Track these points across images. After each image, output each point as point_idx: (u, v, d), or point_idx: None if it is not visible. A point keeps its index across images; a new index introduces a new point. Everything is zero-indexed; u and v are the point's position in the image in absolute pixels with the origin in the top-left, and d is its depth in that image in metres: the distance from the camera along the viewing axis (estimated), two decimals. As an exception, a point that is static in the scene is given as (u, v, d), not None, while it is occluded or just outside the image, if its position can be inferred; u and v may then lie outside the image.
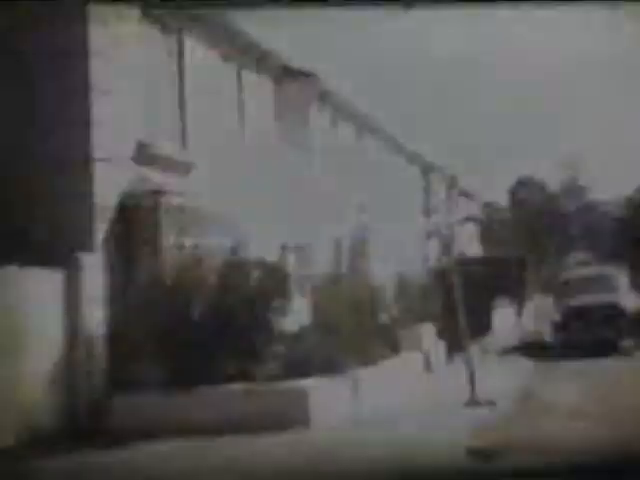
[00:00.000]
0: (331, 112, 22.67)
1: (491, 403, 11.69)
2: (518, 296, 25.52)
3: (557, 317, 19.48)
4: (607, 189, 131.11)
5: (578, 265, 36.51)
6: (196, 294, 11.19)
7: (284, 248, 18.31)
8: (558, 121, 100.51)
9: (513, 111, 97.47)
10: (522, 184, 56.59)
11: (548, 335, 20.40)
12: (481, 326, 21.79)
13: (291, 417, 10.12)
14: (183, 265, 11.62)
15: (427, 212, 17.24)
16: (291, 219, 19.55)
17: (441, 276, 17.35)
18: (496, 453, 8.80)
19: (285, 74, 19.21)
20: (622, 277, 20.72)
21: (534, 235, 46.20)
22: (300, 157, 20.36)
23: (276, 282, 11.93)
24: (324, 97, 22.12)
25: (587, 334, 18.64)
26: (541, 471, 7.92)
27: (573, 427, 10.00)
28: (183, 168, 14.11)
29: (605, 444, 8.80)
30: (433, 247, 27.53)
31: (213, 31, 15.39)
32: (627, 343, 18.76)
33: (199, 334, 10.83)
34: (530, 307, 27.03)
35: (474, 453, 8.79)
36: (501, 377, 14.47)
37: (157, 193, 12.16)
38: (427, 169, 33.99)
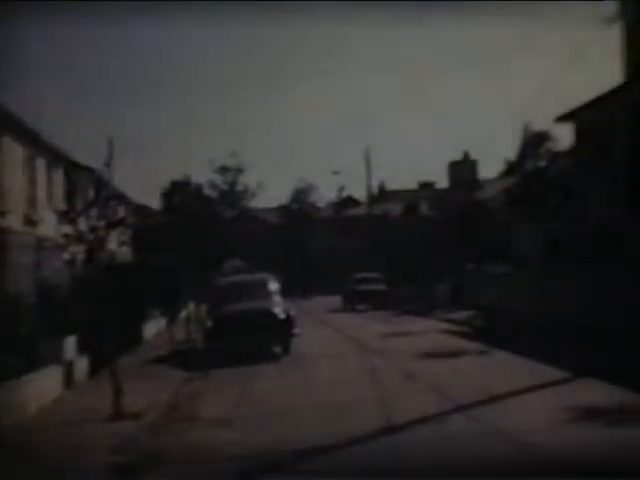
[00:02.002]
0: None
1: (137, 416, 11.79)
2: (171, 305, 25.94)
3: (210, 324, 20.11)
4: (264, 197, 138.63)
5: (234, 272, 38.00)
6: None
7: None
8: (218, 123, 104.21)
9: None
10: (177, 187, 57.51)
11: (201, 343, 21.01)
12: (131, 337, 21.84)
13: None
14: None
15: (68, 215, 16.78)
16: None
17: (86, 284, 17.05)
18: (139, 467, 8.93)
19: None
20: (275, 284, 21.95)
21: (191, 241, 47.19)
22: None
23: None
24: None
25: (239, 341, 19.48)
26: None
27: (218, 436, 10.48)
28: None
29: (250, 451, 9.38)
30: (79, 253, 26.99)
31: None
32: (277, 349, 20.00)
33: None
34: (183, 315, 27.66)
35: (114, 469, 8.83)
36: (150, 389, 14.64)
37: None
38: (72, 169, 33.24)
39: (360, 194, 72.90)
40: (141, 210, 48.93)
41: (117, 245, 34.39)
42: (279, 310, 20.25)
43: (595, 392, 11.57)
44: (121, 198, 41.29)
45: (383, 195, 78.62)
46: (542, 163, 32.79)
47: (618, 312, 17.20)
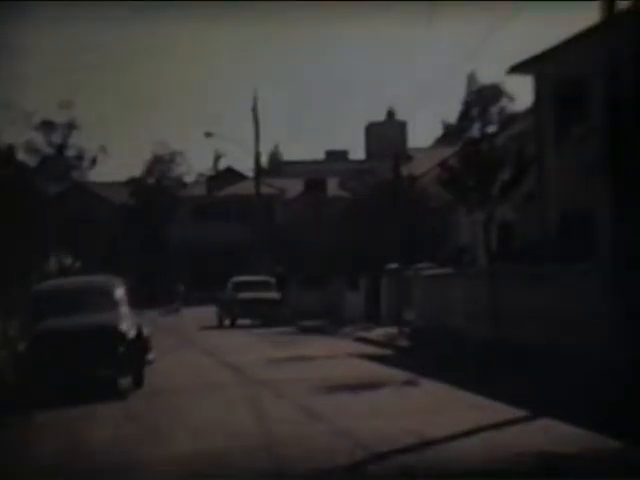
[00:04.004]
0: None
1: None
2: None
3: (23, 347, 19.69)
4: (108, 167, 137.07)
5: (61, 273, 37.52)
6: None
7: None
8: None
9: None
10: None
11: (11, 374, 20.59)
12: None
13: None
14: None
15: None
16: None
17: None
18: None
19: None
20: (121, 291, 21.40)
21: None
22: None
23: None
24: None
25: (68, 370, 19.14)
26: None
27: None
28: None
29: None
30: None
31: None
32: (124, 381, 19.81)
33: None
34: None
35: None
36: None
37: None
38: None
39: (245, 166, 72.85)
40: None
41: None
42: (127, 326, 19.98)
43: (554, 436, 11.88)
44: None
45: (277, 167, 78.93)
46: (492, 127, 33.51)
47: (580, 327, 17.77)
